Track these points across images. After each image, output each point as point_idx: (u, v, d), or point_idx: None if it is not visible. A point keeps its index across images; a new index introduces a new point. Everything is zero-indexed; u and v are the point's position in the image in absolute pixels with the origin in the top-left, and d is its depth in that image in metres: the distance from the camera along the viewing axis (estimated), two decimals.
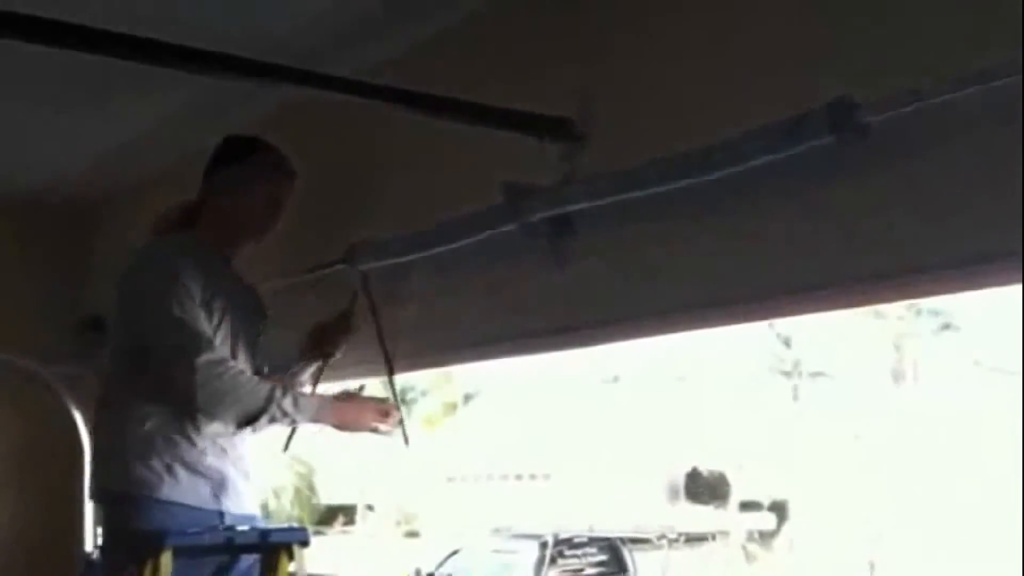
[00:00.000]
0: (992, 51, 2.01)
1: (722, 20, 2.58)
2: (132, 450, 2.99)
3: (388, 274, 3.30)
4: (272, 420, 2.95)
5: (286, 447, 3.34)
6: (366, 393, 3.25)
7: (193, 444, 3.00)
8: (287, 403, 2.96)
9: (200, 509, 3.00)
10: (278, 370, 3.32)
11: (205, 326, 2.95)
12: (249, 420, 2.94)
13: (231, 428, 2.98)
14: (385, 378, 3.36)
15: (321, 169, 3.67)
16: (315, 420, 3.05)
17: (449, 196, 3.16)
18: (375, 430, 3.16)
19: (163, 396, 2.97)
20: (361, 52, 3.29)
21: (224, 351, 3.00)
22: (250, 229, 3.20)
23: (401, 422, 3.26)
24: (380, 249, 3.27)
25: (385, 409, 3.18)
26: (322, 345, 3.37)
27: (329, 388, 3.38)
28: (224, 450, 3.06)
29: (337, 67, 2.89)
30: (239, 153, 3.20)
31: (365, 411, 3.16)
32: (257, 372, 3.23)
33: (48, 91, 3.67)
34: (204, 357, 2.88)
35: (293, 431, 3.26)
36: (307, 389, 3.36)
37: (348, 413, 3.15)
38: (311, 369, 3.38)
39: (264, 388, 2.96)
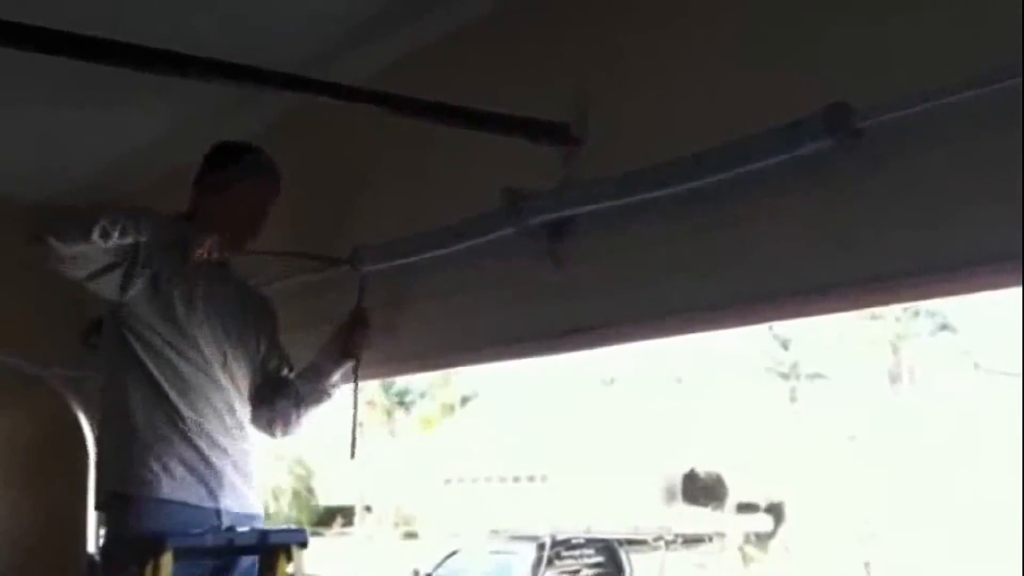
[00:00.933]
0: (989, 55, 2.02)
1: (719, 25, 2.59)
2: (129, 450, 3.01)
3: (388, 277, 3.31)
4: (114, 221, 2.87)
5: (353, 452, 3.32)
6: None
7: (191, 443, 3.03)
8: (120, 215, 2.91)
9: (198, 507, 3.02)
10: (305, 374, 3.34)
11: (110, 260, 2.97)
12: (86, 229, 2.87)
13: (76, 235, 2.91)
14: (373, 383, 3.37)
15: (323, 174, 3.69)
16: (158, 225, 2.97)
17: (448, 200, 3.18)
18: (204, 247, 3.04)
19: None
20: (361, 59, 3.31)
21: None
22: (238, 233, 3.20)
23: (352, 436, 3.27)
24: (381, 252, 3.28)
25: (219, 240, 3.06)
26: (349, 347, 3.32)
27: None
28: (224, 449, 3.08)
29: (338, 74, 2.91)
30: (225, 158, 3.22)
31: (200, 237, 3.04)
32: (272, 376, 3.26)
33: (53, 99, 3.69)
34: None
35: (354, 436, 3.26)
36: (338, 390, 3.37)
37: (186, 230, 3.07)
38: (340, 371, 3.34)
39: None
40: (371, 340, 3.33)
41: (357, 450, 3.28)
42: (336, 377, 3.32)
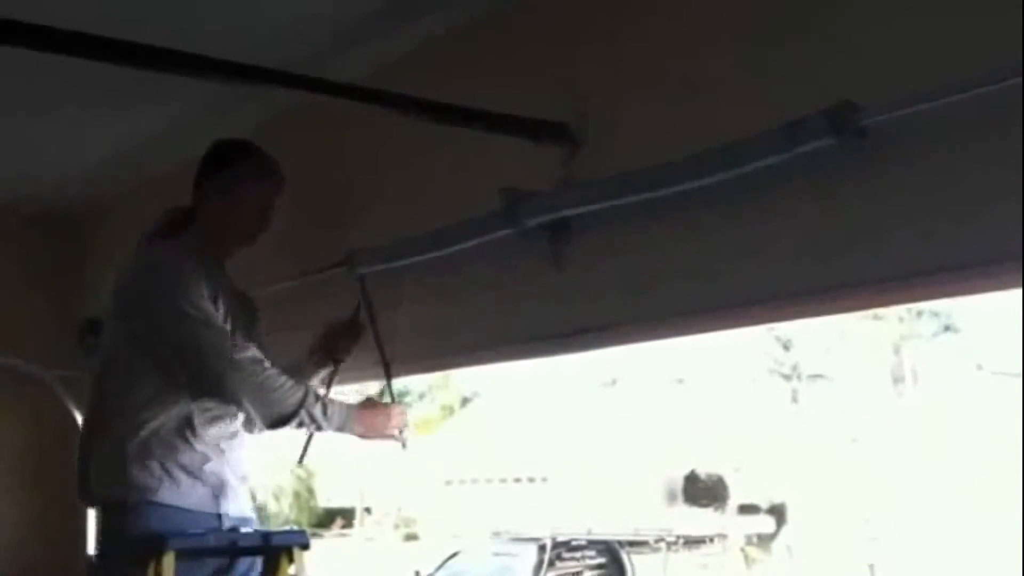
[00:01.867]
0: (992, 55, 2.01)
1: (720, 24, 2.58)
2: (130, 455, 3.00)
3: (387, 278, 3.30)
4: (300, 424, 2.99)
5: (301, 459, 3.36)
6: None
7: (192, 448, 3.01)
8: (317, 410, 2.98)
9: (200, 512, 3.01)
10: (286, 373, 3.33)
11: (221, 322, 2.98)
12: (281, 421, 2.97)
13: (261, 427, 3.02)
14: (383, 381, 3.37)
15: (320, 174, 3.68)
16: (341, 429, 3.07)
17: (447, 200, 3.17)
18: (395, 437, 3.18)
19: (196, 395, 3.00)
20: (359, 57, 3.30)
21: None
22: (240, 233, 3.20)
23: (309, 437, 3.29)
24: (379, 253, 3.27)
25: (402, 412, 3.21)
26: (333, 350, 3.39)
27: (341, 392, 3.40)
28: (223, 452, 3.07)
29: (335, 72, 2.90)
30: (228, 158, 3.21)
31: (388, 418, 3.17)
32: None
33: (47, 99, 3.68)
34: (244, 354, 2.94)
35: (309, 440, 3.28)
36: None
37: (372, 421, 3.16)
38: (321, 373, 3.39)
39: (299, 391, 2.99)
40: (355, 350, 3.37)
41: (306, 457, 3.34)
42: (315, 379, 3.36)
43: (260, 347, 3.28)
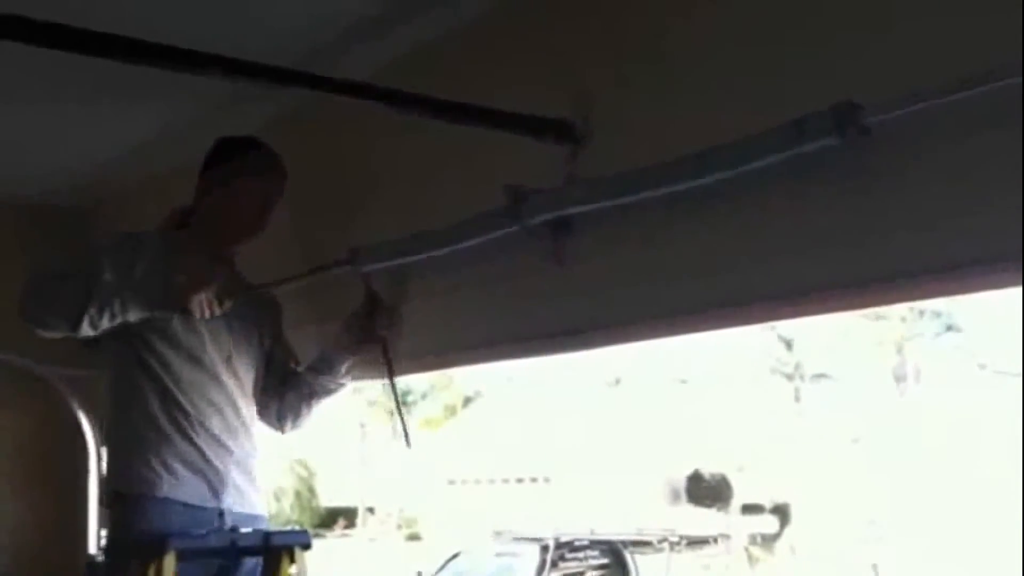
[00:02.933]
0: (995, 52, 2.00)
1: (723, 22, 2.57)
2: (131, 449, 3.00)
3: (390, 276, 3.30)
4: (101, 308, 2.85)
5: (408, 440, 3.31)
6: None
7: (193, 443, 3.02)
8: (107, 276, 2.86)
9: (200, 508, 3.01)
10: (314, 365, 3.32)
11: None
12: (74, 307, 2.85)
13: (63, 322, 2.89)
14: (386, 380, 3.35)
15: (324, 171, 3.67)
16: (148, 297, 2.91)
17: (450, 198, 3.16)
18: (202, 307, 2.99)
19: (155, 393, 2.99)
20: (363, 55, 3.29)
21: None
22: (242, 228, 3.20)
23: (403, 424, 3.25)
24: (382, 251, 3.27)
25: (226, 289, 3.02)
26: (370, 330, 3.26)
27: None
28: (227, 448, 3.07)
29: (339, 70, 2.89)
30: (230, 153, 3.21)
31: (207, 263, 3.02)
32: (279, 370, 3.25)
33: (50, 94, 3.67)
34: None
35: (404, 421, 3.24)
36: (347, 383, 3.35)
37: (189, 263, 3.00)
38: (351, 361, 3.31)
39: (80, 269, 2.90)
40: (396, 318, 3.28)
41: (411, 439, 3.27)
42: (346, 368, 3.30)
43: (277, 348, 3.29)
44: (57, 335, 2.93)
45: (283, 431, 3.36)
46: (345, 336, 3.28)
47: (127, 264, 2.89)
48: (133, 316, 2.90)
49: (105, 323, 2.87)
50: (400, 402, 3.32)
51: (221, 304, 2.99)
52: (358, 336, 3.27)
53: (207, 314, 2.96)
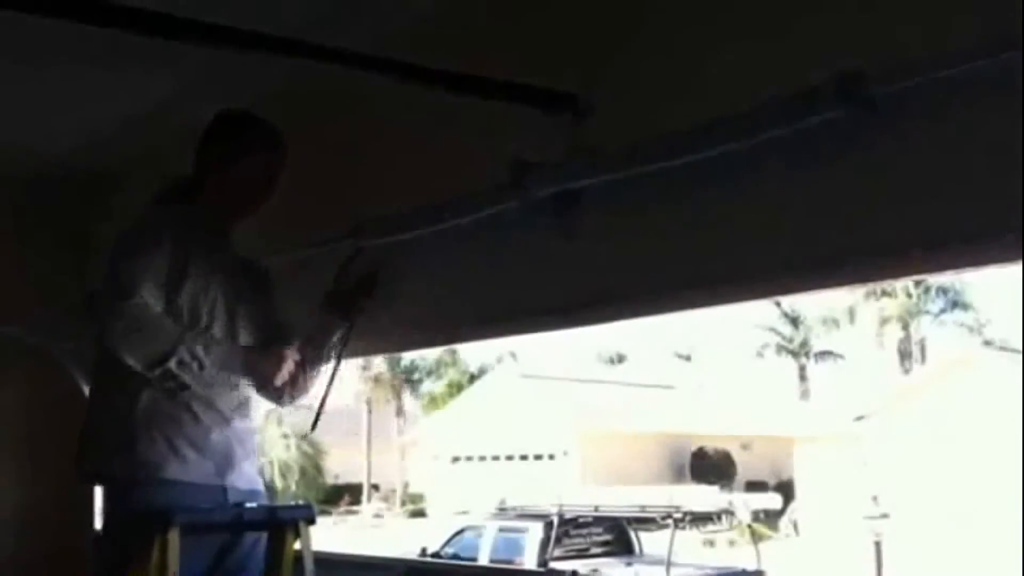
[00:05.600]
0: (1000, 25, 1.99)
1: None
2: (135, 430, 2.99)
3: (394, 250, 3.28)
4: (181, 363, 2.89)
5: (313, 427, 3.34)
6: None
7: (197, 419, 3.00)
8: (197, 347, 2.91)
9: (204, 486, 3.00)
10: (309, 336, 3.31)
11: (143, 281, 2.91)
12: (157, 360, 2.87)
13: (140, 367, 2.90)
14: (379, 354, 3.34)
15: (326, 144, 3.65)
16: (225, 367, 3.00)
17: (454, 171, 3.14)
18: (284, 389, 3.14)
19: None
20: (366, 26, 3.27)
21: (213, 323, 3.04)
22: (246, 203, 3.19)
23: (319, 410, 3.27)
24: (385, 225, 3.25)
25: (292, 357, 3.13)
26: (346, 309, 3.29)
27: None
28: (229, 424, 3.06)
29: (342, 40, 2.87)
30: (231, 129, 3.19)
31: (278, 360, 3.11)
32: (266, 343, 3.23)
33: (51, 67, 3.65)
34: (127, 301, 2.87)
35: (318, 414, 3.26)
36: (339, 354, 3.34)
37: (258, 363, 3.10)
38: (335, 335, 3.31)
39: (175, 329, 2.92)
40: (369, 308, 3.30)
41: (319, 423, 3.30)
42: (336, 338, 3.30)
43: (268, 317, 3.27)
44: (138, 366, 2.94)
45: (282, 404, 3.36)
46: (336, 304, 3.31)
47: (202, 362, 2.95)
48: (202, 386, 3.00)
49: (174, 369, 2.92)
50: (329, 390, 3.33)
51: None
52: (339, 311, 3.30)
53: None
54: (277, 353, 3.12)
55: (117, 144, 4.46)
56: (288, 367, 3.11)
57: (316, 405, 3.31)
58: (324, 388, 3.30)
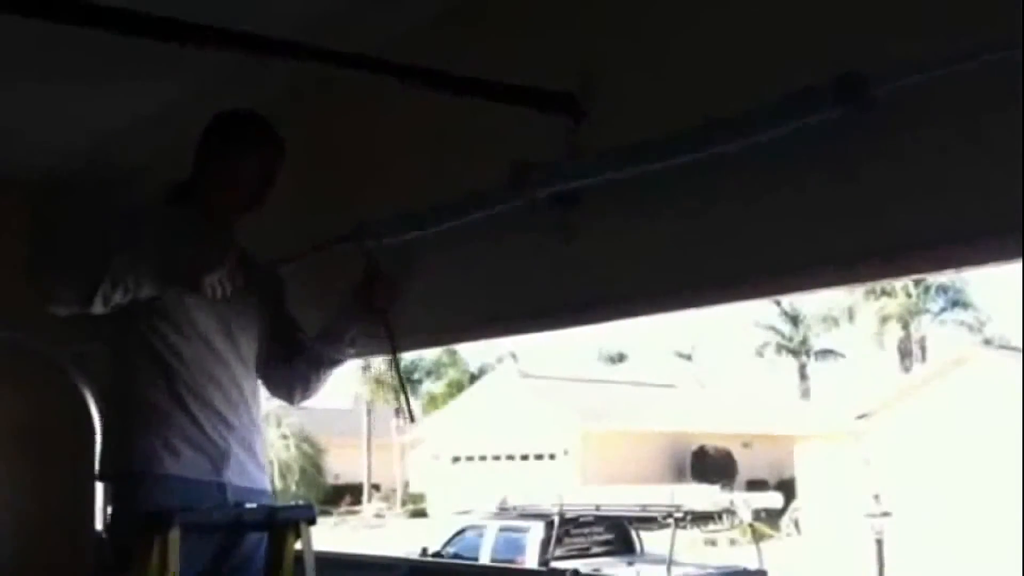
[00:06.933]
0: (1000, 23, 1.99)
1: None
2: (132, 426, 3.00)
3: (395, 251, 3.29)
4: (115, 283, 2.81)
5: (411, 417, 3.30)
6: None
7: (193, 418, 3.01)
8: (121, 252, 2.83)
9: (200, 481, 3.01)
10: (321, 335, 3.31)
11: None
12: (90, 281, 2.80)
13: (75, 298, 2.86)
14: (389, 356, 3.34)
15: (327, 146, 3.66)
16: (162, 273, 2.88)
17: (454, 172, 3.15)
18: (213, 287, 2.92)
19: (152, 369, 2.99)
20: (368, 29, 3.27)
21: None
22: (241, 203, 3.18)
23: (406, 399, 3.24)
24: (386, 226, 3.26)
25: (234, 270, 2.96)
26: (370, 303, 3.24)
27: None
28: (228, 423, 3.06)
29: (344, 43, 2.87)
30: (227, 128, 3.19)
31: (215, 254, 2.95)
32: (285, 341, 3.24)
33: (53, 70, 3.66)
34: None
35: (407, 395, 3.24)
36: (352, 352, 3.35)
37: (197, 253, 2.94)
38: (352, 332, 3.29)
39: (99, 252, 2.84)
40: (396, 291, 3.26)
41: (414, 414, 3.24)
42: (350, 338, 3.29)
43: (281, 320, 3.28)
44: (66, 311, 2.91)
45: (293, 401, 3.38)
46: (347, 307, 3.28)
47: (139, 240, 2.88)
48: (146, 293, 2.88)
49: (118, 298, 2.84)
50: (403, 377, 3.29)
51: (233, 283, 2.97)
52: (358, 308, 3.26)
53: (219, 294, 2.94)
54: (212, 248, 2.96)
55: (125, 147, 4.46)
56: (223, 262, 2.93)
57: (401, 400, 3.28)
58: (396, 379, 3.28)
